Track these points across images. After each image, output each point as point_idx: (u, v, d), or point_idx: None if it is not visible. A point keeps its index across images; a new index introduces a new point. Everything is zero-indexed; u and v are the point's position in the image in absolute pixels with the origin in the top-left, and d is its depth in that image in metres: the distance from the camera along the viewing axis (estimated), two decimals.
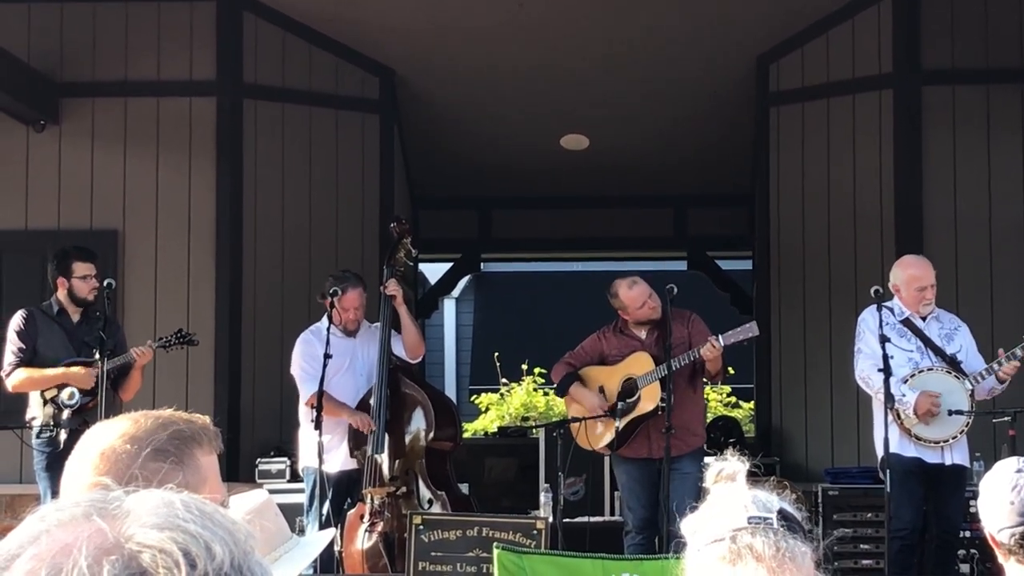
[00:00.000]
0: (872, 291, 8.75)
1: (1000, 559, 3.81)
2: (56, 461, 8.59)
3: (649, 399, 9.10)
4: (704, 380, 9.64)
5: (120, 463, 2.29)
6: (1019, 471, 3.77)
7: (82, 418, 8.84)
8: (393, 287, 9.47)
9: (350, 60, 12.49)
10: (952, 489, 8.82)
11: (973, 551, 9.53)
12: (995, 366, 8.69)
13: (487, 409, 17.81)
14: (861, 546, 10.22)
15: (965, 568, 9.47)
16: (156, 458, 2.30)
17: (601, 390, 9.35)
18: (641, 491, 9.19)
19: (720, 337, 8.93)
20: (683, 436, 8.99)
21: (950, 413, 8.59)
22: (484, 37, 12.30)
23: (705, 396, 16.33)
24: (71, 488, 2.33)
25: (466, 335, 22.76)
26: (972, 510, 9.31)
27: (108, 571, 1.17)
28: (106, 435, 2.33)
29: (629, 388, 9.21)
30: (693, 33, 12.17)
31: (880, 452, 8.60)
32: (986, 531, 3.83)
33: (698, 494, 2.79)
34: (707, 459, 11.01)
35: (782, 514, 2.55)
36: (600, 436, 9.26)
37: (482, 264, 16.88)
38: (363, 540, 9.19)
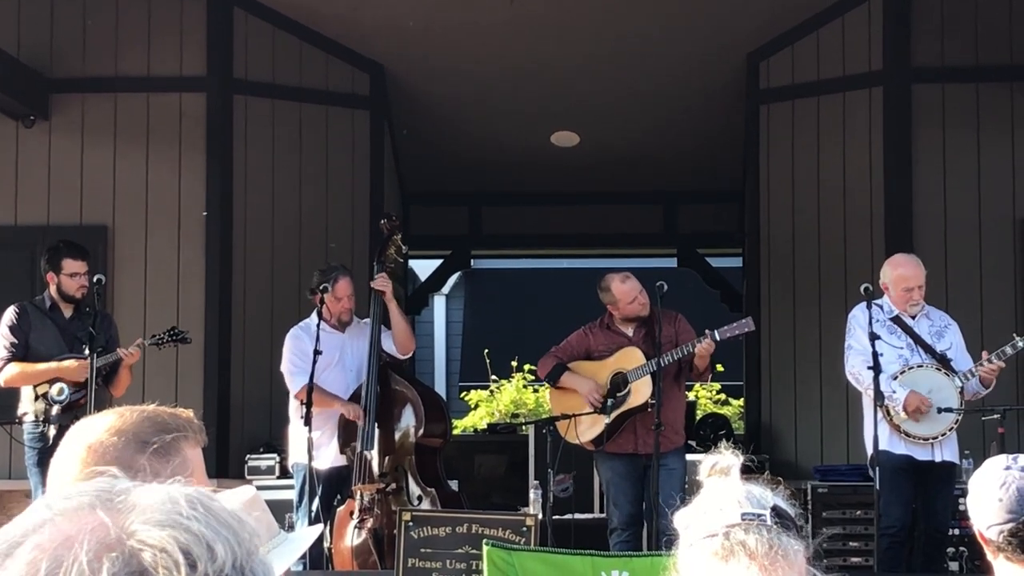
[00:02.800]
0: (862, 288, 8.77)
1: (989, 556, 3.81)
2: (46, 456, 8.58)
3: (640, 393, 9.13)
4: (692, 378, 9.67)
5: (107, 456, 2.29)
6: (1008, 468, 3.77)
7: (72, 414, 8.83)
8: (381, 282, 9.48)
9: (340, 56, 12.49)
10: (942, 486, 8.84)
11: (962, 548, 9.54)
12: (975, 369, 8.71)
13: (477, 406, 17.81)
14: (850, 543, 10.23)
15: (954, 566, 9.49)
16: (142, 450, 2.31)
17: None
18: (628, 487, 9.20)
19: (716, 332, 8.99)
20: (668, 433, 9.02)
21: (939, 411, 8.60)
22: (474, 33, 12.30)
23: (695, 393, 16.44)
24: (58, 482, 2.33)
25: (456, 331, 22.75)
26: (961, 507, 9.34)
27: (108, 568, 1.16)
28: (92, 429, 2.34)
29: (618, 382, 9.24)
30: (683, 30, 12.17)
31: (870, 449, 8.61)
32: (975, 528, 3.84)
33: (683, 490, 2.80)
34: (699, 455, 11.03)
35: (776, 511, 2.55)
36: (588, 429, 9.27)
37: (472, 260, 16.87)
38: (352, 537, 9.19)
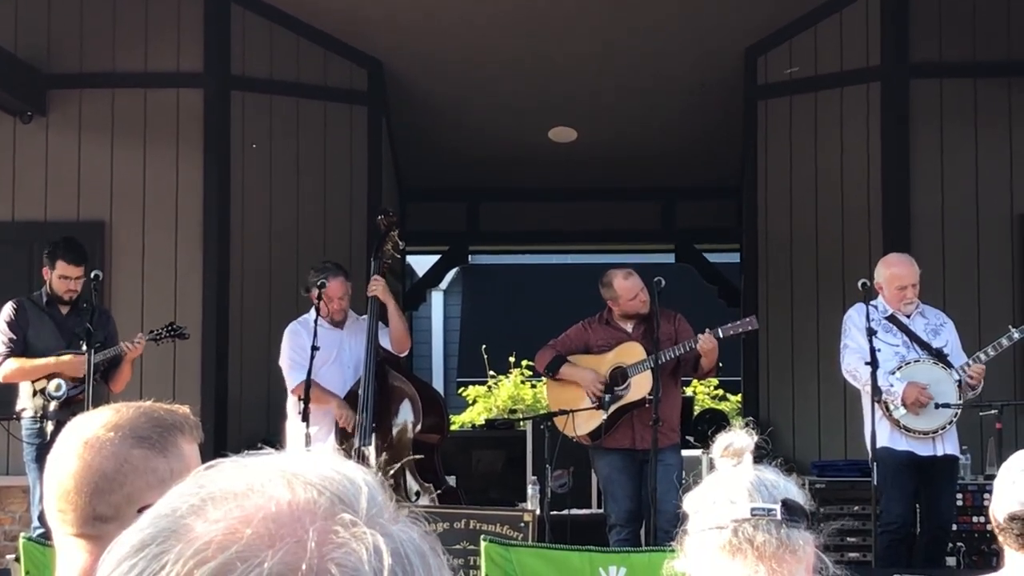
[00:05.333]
0: (859, 284, 8.77)
1: (999, 538, 3.83)
2: (44, 452, 8.54)
3: (639, 388, 9.14)
4: (696, 376, 9.69)
5: (104, 451, 2.29)
6: None
7: (70, 410, 8.82)
8: (372, 286, 9.47)
9: (338, 52, 12.48)
10: (945, 482, 8.84)
11: (960, 544, 9.54)
12: (964, 368, 8.72)
13: (474, 401, 17.83)
14: (848, 539, 10.23)
15: (951, 561, 9.48)
16: (139, 445, 2.31)
17: None
18: (626, 481, 9.20)
19: (719, 330, 9.01)
20: (664, 430, 9.02)
21: (937, 406, 8.60)
22: (473, 29, 12.29)
23: (693, 388, 16.45)
24: (53, 478, 2.33)
25: (453, 327, 22.77)
26: (960, 503, 9.35)
27: None
28: (89, 424, 2.34)
29: (617, 377, 9.24)
30: (681, 26, 12.16)
31: (869, 446, 8.61)
32: (990, 511, 3.87)
33: (680, 485, 2.78)
34: (696, 451, 11.04)
35: (786, 504, 2.55)
36: (585, 423, 9.27)
37: (470, 256, 16.88)
38: None
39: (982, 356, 8.76)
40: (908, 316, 8.92)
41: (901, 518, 8.64)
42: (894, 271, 8.98)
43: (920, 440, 8.70)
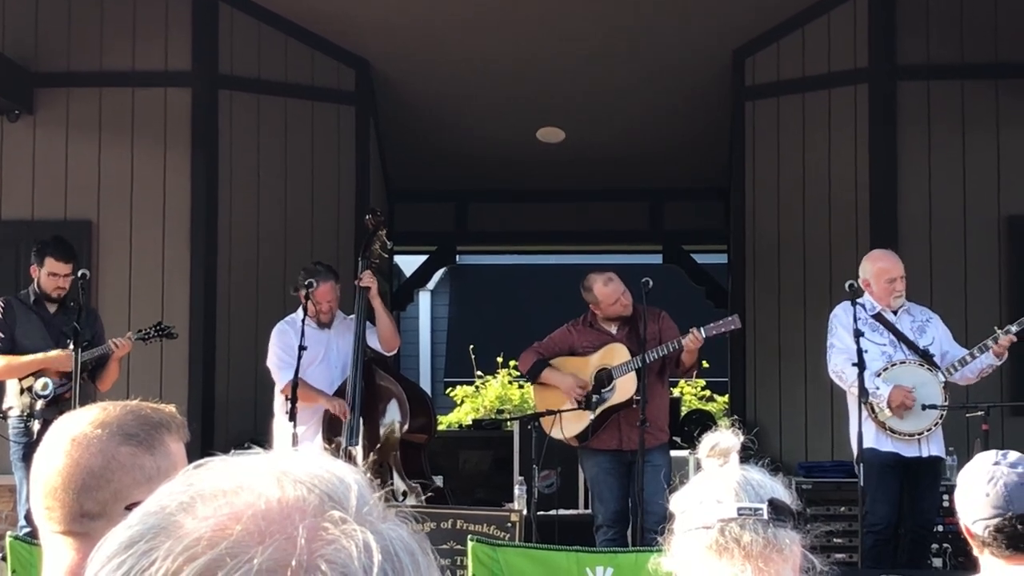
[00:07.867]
0: (846, 285, 8.77)
1: (975, 551, 3.83)
2: (31, 451, 8.55)
3: (624, 390, 9.14)
4: (678, 374, 9.69)
5: (91, 448, 2.30)
6: (997, 464, 3.80)
7: (57, 408, 8.82)
8: (367, 279, 9.47)
9: (326, 51, 12.47)
10: (929, 482, 8.86)
11: (946, 545, 9.56)
12: (989, 342, 8.71)
13: (462, 402, 17.83)
14: (834, 540, 10.24)
15: (938, 562, 9.50)
16: (126, 442, 2.31)
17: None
18: (614, 482, 9.21)
19: (702, 329, 9.01)
20: (652, 430, 9.02)
21: (924, 407, 8.62)
22: (461, 29, 12.28)
23: (680, 389, 16.46)
24: (40, 475, 2.33)
25: (441, 327, 22.76)
26: (945, 504, 9.36)
27: None
28: (76, 422, 2.35)
29: (602, 379, 9.24)
30: (670, 27, 12.17)
31: (855, 447, 8.62)
32: (961, 522, 3.86)
33: (669, 486, 2.78)
34: (684, 451, 11.05)
35: (772, 504, 2.55)
36: (572, 425, 9.28)
37: (457, 257, 16.88)
38: None
39: (1013, 328, 8.72)
40: (895, 313, 8.93)
41: (886, 519, 8.66)
42: (881, 265, 8.99)
43: (905, 441, 8.72)
